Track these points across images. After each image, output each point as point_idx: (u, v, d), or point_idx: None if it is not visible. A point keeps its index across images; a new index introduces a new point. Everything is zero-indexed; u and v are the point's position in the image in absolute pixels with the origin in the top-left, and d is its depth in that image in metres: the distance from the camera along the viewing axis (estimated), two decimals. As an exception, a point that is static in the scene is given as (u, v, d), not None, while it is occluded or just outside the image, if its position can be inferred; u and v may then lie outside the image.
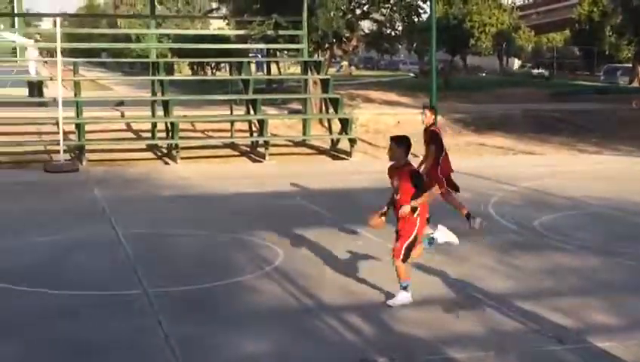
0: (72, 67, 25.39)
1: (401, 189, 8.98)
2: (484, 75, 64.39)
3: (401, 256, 8.94)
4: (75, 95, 23.11)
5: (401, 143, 9.07)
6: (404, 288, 9.00)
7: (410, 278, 9.09)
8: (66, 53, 23.24)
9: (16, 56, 60.43)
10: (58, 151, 20.55)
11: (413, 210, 8.89)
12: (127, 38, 54.50)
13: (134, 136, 25.46)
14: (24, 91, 33.88)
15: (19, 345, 7.85)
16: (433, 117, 12.96)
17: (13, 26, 47.07)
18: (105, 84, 45.77)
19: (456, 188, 12.97)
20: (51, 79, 27.75)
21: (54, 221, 13.69)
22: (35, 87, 33.10)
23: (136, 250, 11.60)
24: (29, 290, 9.64)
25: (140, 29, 41.85)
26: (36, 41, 59.64)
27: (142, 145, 24.23)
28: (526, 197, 16.46)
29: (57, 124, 21.02)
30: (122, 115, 27.10)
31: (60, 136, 20.57)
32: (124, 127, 26.01)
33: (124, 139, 24.79)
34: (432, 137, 12.76)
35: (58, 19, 21.98)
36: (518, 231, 13.15)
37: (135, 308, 9.03)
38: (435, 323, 8.47)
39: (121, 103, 29.06)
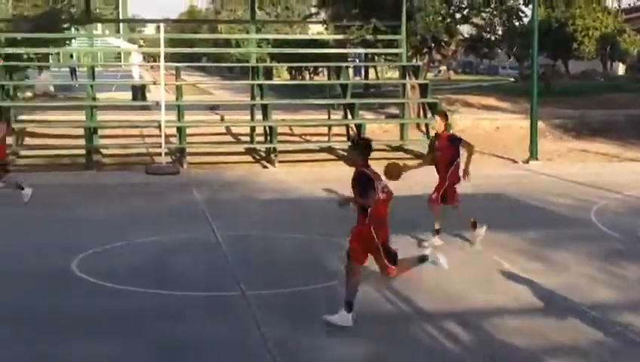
0: (174, 72, 25.92)
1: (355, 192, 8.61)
2: (601, 79, 62.54)
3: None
4: (177, 99, 23.57)
5: (355, 146, 8.83)
6: (349, 303, 8.40)
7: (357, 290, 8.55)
8: (168, 57, 23.69)
9: (120, 61, 62.05)
10: (160, 154, 21.00)
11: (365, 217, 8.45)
12: (227, 43, 55.31)
13: (233, 140, 25.81)
14: (128, 95, 34.79)
15: (121, 344, 8.02)
16: (444, 123, 12.52)
17: (118, 31, 48.27)
18: (205, 88, 46.55)
19: (445, 202, 12.45)
20: (154, 83, 28.44)
21: (156, 222, 13.99)
22: (139, 91, 33.94)
23: (235, 252, 11.74)
24: (131, 290, 9.86)
25: (239, 34, 42.40)
26: (140, 46, 61.18)
27: (241, 148, 24.54)
28: (631, 206, 15.98)
29: (159, 127, 21.50)
30: (222, 119, 27.53)
31: (162, 139, 21.03)
32: (224, 131, 26.41)
33: (223, 142, 25.15)
34: (454, 141, 12.38)
35: (162, 25, 22.48)
36: (622, 240, 12.78)
37: (233, 309, 9.13)
38: (535, 333, 8.29)
39: (215, 107, 29.50)
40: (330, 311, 8.41)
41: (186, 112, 23.98)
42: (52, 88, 39.25)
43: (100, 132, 23.45)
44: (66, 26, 37.60)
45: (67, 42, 38.90)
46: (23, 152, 23.14)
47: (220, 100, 34.79)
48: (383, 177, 9.07)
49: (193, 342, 8.00)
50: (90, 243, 12.08)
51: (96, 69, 25.53)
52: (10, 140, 23.13)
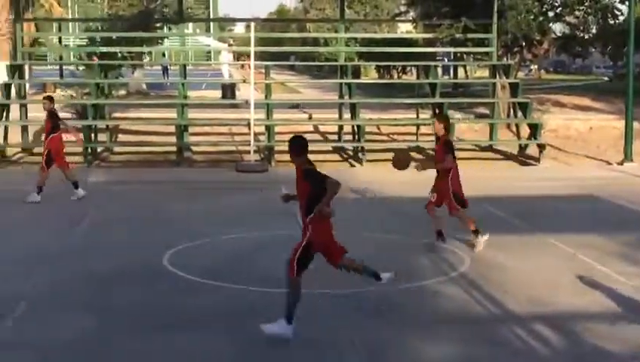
0: (263, 70, 26.15)
1: (298, 192, 8.17)
2: None
3: (290, 271, 7.98)
4: (266, 97, 23.78)
5: (290, 143, 8.29)
6: (289, 314, 7.97)
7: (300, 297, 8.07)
8: (257, 56, 23.91)
9: (210, 60, 62.98)
10: (249, 152, 21.22)
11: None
12: (315, 42, 55.60)
13: (321, 139, 25.89)
14: (218, 93, 35.25)
15: (212, 339, 8.13)
16: (442, 125, 11.99)
17: (208, 30, 48.96)
18: (293, 87, 46.85)
19: (464, 204, 12.06)
20: (244, 81, 28.77)
21: (245, 219, 14.15)
22: (228, 90, 34.37)
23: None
24: (222, 286, 9.98)
25: (328, 32, 42.54)
26: (229, 45, 61.97)
27: (328, 147, 24.59)
28: None
29: (249, 125, 21.72)
30: (310, 118, 27.65)
31: (251, 137, 21.24)
32: (312, 129, 26.51)
33: (311, 141, 25.15)
34: (445, 146, 11.87)
35: (252, 24, 22.72)
36: None
37: (320, 307, 9.15)
38: (627, 339, 8.08)
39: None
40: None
41: (276, 111, 24.17)
42: (145, 86, 40.08)
43: (191, 129, 23.83)
44: (158, 25, 38.34)
45: (160, 41, 39.71)
46: (116, 149, 23.71)
47: (307, 99, 34.92)
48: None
49: (280, 340, 8.05)
50: (180, 238, 12.28)
51: (187, 68, 25.92)
52: (104, 137, 23.79)
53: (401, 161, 11.23)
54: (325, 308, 9.19)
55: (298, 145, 8.22)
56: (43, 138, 16.89)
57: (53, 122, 15.95)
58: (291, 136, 8.55)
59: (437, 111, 24.23)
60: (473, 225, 11.91)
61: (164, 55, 55.92)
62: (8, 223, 13.89)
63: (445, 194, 11.85)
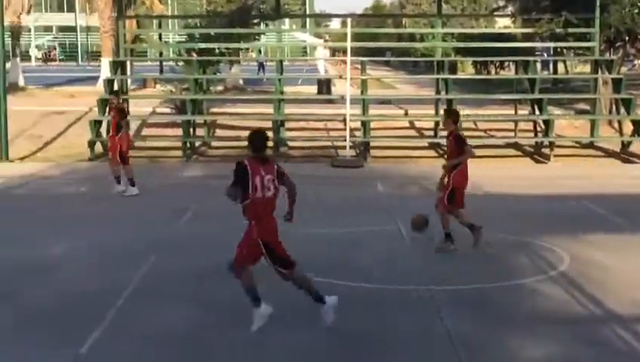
0: (358, 66, 26.14)
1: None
2: None
3: (233, 265, 8.07)
4: (362, 93, 23.78)
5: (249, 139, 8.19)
6: (254, 302, 8.10)
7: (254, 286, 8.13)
8: (353, 52, 23.93)
9: (306, 55, 63.38)
10: (344, 147, 21.27)
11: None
12: (411, 38, 55.31)
13: (417, 135, 25.75)
14: (313, 89, 35.43)
15: (311, 333, 8.19)
16: (450, 120, 11.59)
17: (304, 26, 49.24)
18: (389, 82, 46.72)
19: (460, 204, 11.57)
20: (340, 77, 28.84)
21: (341, 214, 14.17)
22: (324, 85, 34.48)
23: (417, 246, 11.72)
24: (320, 281, 10.01)
25: (424, 28, 42.27)
26: (325, 40, 62.22)
27: (424, 143, 24.44)
28: None
29: (344, 120, 21.77)
30: (406, 113, 27.53)
31: (347, 133, 21.28)
32: (407, 125, 26.40)
33: (407, 136, 25.14)
34: (458, 141, 11.39)
35: (349, 20, 22.75)
36: None
37: (417, 303, 9.13)
38: None
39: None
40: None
41: (371, 106, 24.16)
42: (242, 82, 40.58)
43: (287, 125, 24.02)
44: (256, 21, 38.77)
45: (257, 37, 40.15)
46: (213, 143, 24.08)
47: (402, 95, 34.74)
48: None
49: (377, 335, 8.07)
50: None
51: (283, 63, 26.12)
52: (201, 132, 24.21)
53: (418, 222, 11.71)
54: (424, 302, 9.15)
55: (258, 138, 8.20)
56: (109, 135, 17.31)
57: (121, 119, 16.30)
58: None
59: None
60: (448, 227, 11.47)
61: (259, 51, 56.50)
62: (116, 215, 14.28)
63: (444, 189, 11.51)
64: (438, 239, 11.60)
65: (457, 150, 11.42)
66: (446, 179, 11.54)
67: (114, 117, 16.42)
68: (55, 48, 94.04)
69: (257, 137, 8.17)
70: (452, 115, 11.83)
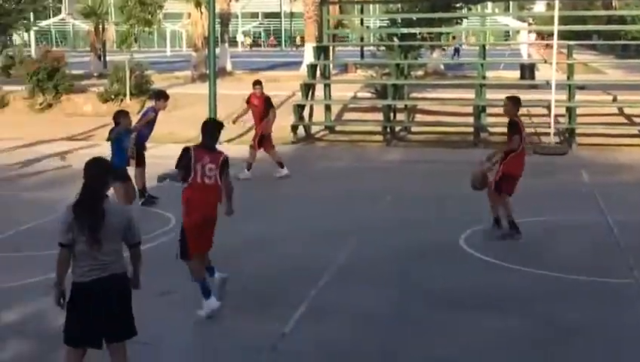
0: (563, 50, 25.28)
1: None
2: None
3: (177, 254, 8.26)
4: (568, 78, 22.99)
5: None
6: (203, 292, 8.12)
7: (204, 277, 8.24)
8: (558, 35, 23.15)
9: (509, 40, 62.07)
10: (548, 134, 20.68)
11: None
12: (621, 20, 52.88)
13: (626, 122, 24.61)
14: (516, 74, 34.62)
15: (504, 321, 8.14)
16: (509, 107, 11.74)
17: (507, 10, 48.24)
18: (597, 67, 44.88)
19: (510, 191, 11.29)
20: (545, 62, 28.04)
21: (543, 202, 13.82)
22: (527, 70, 33.59)
23: (628, 239, 11.24)
24: (517, 269, 9.90)
25: (636, 10, 40.30)
26: (529, 24, 60.63)
27: (634, 130, 23.32)
28: None
29: (549, 107, 21.15)
30: (614, 99, 26.36)
31: (551, 119, 20.67)
32: (616, 112, 25.26)
33: (615, 123, 24.07)
34: (512, 127, 11.46)
35: (556, 2, 22.05)
36: None
37: (620, 296, 8.90)
38: None
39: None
40: None
41: (578, 92, 23.31)
42: (442, 67, 40.29)
43: (488, 110, 23.60)
44: (458, 5, 38.34)
45: (458, 21, 39.64)
46: (413, 128, 24.06)
47: (611, 80, 33.27)
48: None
49: (575, 326, 7.94)
50: (478, 219, 12.21)
51: (485, 48, 25.65)
52: (401, 116, 24.26)
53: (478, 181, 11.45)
54: (628, 295, 8.94)
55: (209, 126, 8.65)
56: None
57: (268, 106, 16.52)
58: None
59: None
60: (502, 213, 11.34)
61: (454, 37, 55.76)
62: (322, 196, 14.57)
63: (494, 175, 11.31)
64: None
65: (509, 136, 11.52)
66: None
67: (257, 105, 16.66)
68: (271, 35, 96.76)
69: (209, 126, 8.61)
70: (510, 102, 11.94)
